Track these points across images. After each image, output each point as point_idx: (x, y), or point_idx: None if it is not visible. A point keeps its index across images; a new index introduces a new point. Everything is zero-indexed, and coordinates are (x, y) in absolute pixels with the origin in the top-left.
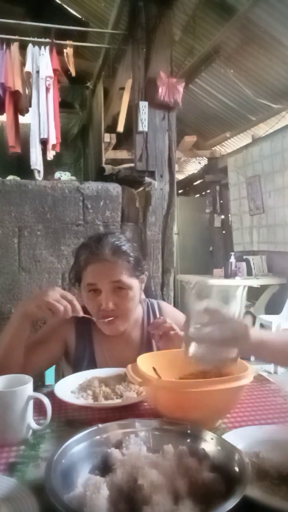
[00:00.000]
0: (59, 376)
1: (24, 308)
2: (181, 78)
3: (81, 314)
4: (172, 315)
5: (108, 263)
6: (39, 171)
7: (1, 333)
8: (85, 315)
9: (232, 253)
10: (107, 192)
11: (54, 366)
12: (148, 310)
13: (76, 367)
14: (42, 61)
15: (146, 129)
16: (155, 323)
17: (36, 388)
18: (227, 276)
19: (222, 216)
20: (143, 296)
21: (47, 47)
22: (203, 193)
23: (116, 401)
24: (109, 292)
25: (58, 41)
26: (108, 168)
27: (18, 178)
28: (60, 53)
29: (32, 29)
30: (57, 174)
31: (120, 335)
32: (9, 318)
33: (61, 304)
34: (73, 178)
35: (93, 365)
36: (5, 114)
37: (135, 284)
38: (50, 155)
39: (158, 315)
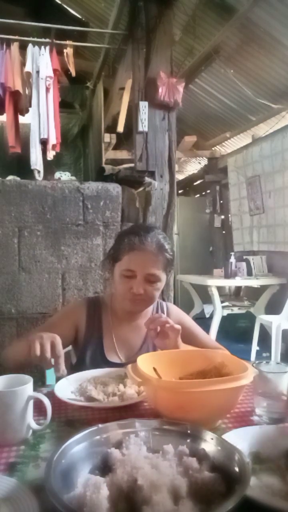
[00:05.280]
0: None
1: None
2: (181, 78)
3: (64, 373)
4: (177, 316)
5: (151, 255)
6: (39, 171)
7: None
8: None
9: (232, 253)
10: (107, 192)
11: None
12: (158, 307)
13: (86, 347)
14: (42, 61)
15: (146, 129)
16: (151, 318)
17: (36, 388)
18: (227, 276)
19: (222, 216)
20: None
21: (47, 47)
22: (203, 193)
23: (116, 401)
24: (142, 280)
25: (58, 41)
26: (108, 168)
27: (18, 178)
28: (60, 53)
29: (32, 29)
30: (57, 174)
31: (129, 321)
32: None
33: (44, 350)
34: (73, 178)
35: (100, 347)
36: (5, 114)
37: (163, 278)
38: (50, 155)
39: (164, 313)
